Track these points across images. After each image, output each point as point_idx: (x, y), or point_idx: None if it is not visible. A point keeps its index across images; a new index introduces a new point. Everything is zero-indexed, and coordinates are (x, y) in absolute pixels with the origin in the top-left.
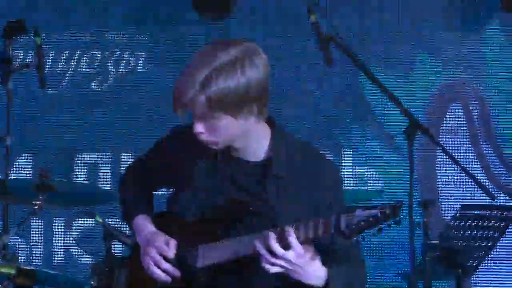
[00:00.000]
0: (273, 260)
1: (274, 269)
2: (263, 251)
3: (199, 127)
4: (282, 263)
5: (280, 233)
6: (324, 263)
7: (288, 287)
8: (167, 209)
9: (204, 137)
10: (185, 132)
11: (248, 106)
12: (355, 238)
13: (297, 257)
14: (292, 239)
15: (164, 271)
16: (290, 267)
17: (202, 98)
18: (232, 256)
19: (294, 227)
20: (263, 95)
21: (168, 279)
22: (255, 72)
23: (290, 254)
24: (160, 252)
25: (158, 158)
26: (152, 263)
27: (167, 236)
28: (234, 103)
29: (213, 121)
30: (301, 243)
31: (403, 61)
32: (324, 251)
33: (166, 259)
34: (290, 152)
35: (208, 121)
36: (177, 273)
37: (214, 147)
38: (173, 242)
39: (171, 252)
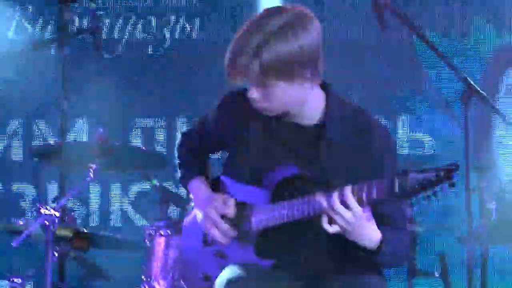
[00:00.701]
0: (334, 216)
1: (332, 229)
2: (325, 207)
3: (253, 93)
4: (341, 221)
5: (340, 194)
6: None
7: (338, 252)
8: (223, 173)
9: (259, 104)
10: (239, 96)
11: (302, 72)
12: (402, 206)
13: (355, 217)
14: (350, 199)
15: (222, 232)
16: (347, 227)
17: (256, 64)
18: (285, 219)
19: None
20: (317, 60)
21: (227, 240)
22: (307, 37)
23: (347, 214)
24: (220, 212)
25: (213, 122)
26: (211, 223)
27: (225, 195)
28: (288, 69)
29: (267, 87)
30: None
31: (458, 24)
32: (376, 216)
33: (225, 218)
34: (343, 117)
35: (262, 88)
36: (233, 233)
37: (269, 114)
38: (231, 201)
39: (231, 210)
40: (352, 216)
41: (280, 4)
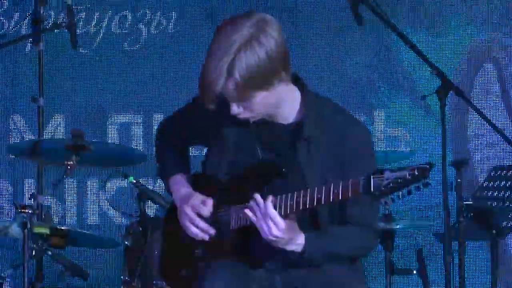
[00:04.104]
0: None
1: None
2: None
3: (235, 109)
4: (265, 229)
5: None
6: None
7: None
8: (202, 169)
9: (242, 115)
10: None
11: (276, 75)
12: (374, 204)
13: (280, 231)
14: (273, 213)
15: (200, 229)
16: (270, 236)
17: (232, 83)
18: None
19: (323, 187)
20: (286, 59)
21: (205, 236)
22: (270, 41)
23: (273, 228)
24: (197, 211)
25: (191, 116)
26: (188, 221)
27: (204, 196)
28: (263, 77)
29: (248, 100)
30: (332, 202)
31: (434, 20)
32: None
33: (202, 217)
34: (320, 114)
35: (243, 101)
36: (212, 231)
37: (252, 120)
38: (209, 201)
39: (207, 211)
40: (275, 231)
41: (241, 15)
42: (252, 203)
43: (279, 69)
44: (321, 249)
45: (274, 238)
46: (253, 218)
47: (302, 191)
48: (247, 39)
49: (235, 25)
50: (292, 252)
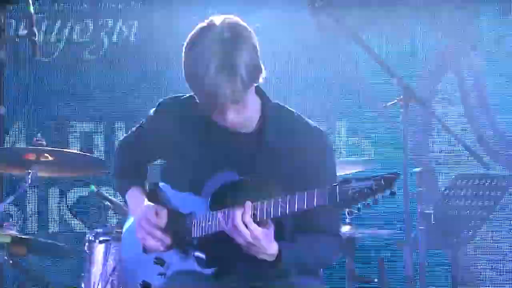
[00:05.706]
0: (234, 232)
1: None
2: (224, 227)
3: (232, 114)
4: (239, 238)
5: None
6: (281, 239)
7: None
8: (162, 180)
9: (235, 120)
10: (175, 103)
11: (258, 71)
12: (337, 213)
13: (253, 238)
14: (248, 220)
15: (156, 240)
16: (243, 243)
17: (239, 81)
18: (221, 227)
19: (288, 197)
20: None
21: (161, 247)
22: (250, 34)
23: (245, 232)
24: (152, 223)
25: (150, 129)
26: (144, 233)
27: (158, 206)
28: (254, 71)
29: (246, 97)
30: (296, 211)
31: (396, 29)
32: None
33: (158, 228)
34: (280, 122)
35: (241, 101)
36: (168, 240)
37: (237, 128)
38: (164, 212)
39: (162, 222)
40: (249, 237)
41: (209, 20)
42: (231, 209)
43: (259, 66)
44: (293, 259)
45: (247, 244)
46: (226, 224)
47: (266, 201)
48: (230, 38)
49: (208, 32)
50: (264, 261)
